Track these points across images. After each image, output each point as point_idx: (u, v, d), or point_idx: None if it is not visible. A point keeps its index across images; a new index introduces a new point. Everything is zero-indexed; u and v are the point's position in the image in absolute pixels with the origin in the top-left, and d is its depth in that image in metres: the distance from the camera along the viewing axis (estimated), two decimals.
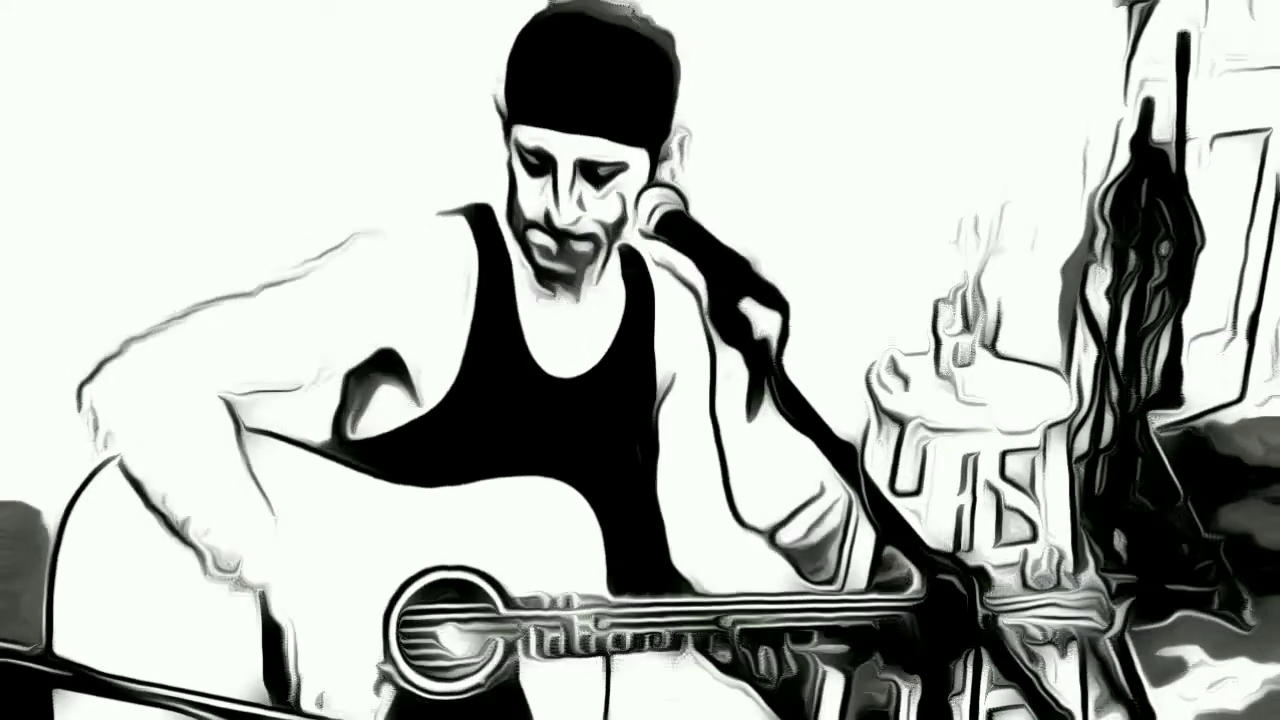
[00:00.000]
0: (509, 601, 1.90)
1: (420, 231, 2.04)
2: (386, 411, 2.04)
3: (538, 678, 1.91)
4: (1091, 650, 2.85)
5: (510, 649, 1.90)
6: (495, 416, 2.03)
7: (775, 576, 2.15)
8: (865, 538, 2.88)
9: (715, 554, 2.16)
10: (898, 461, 2.93)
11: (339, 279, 1.98)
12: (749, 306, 1.78)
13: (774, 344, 1.77)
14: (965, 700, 2.75)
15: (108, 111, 2.80)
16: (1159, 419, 3.38)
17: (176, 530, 1.91)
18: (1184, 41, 3.30)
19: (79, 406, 1.93)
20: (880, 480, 2.84)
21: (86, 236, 2.82)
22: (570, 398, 2.09)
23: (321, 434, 2.08)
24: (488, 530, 1.93)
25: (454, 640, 1.91)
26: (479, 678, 1.90)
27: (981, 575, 1.74)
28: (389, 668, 1.88)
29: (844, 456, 1.77)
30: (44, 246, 2.84)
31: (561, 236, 1.97)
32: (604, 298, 2.13)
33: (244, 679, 1.90)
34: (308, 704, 1.85)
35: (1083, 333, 3.40)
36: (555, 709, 1.93)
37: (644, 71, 1.95)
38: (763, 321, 1.77)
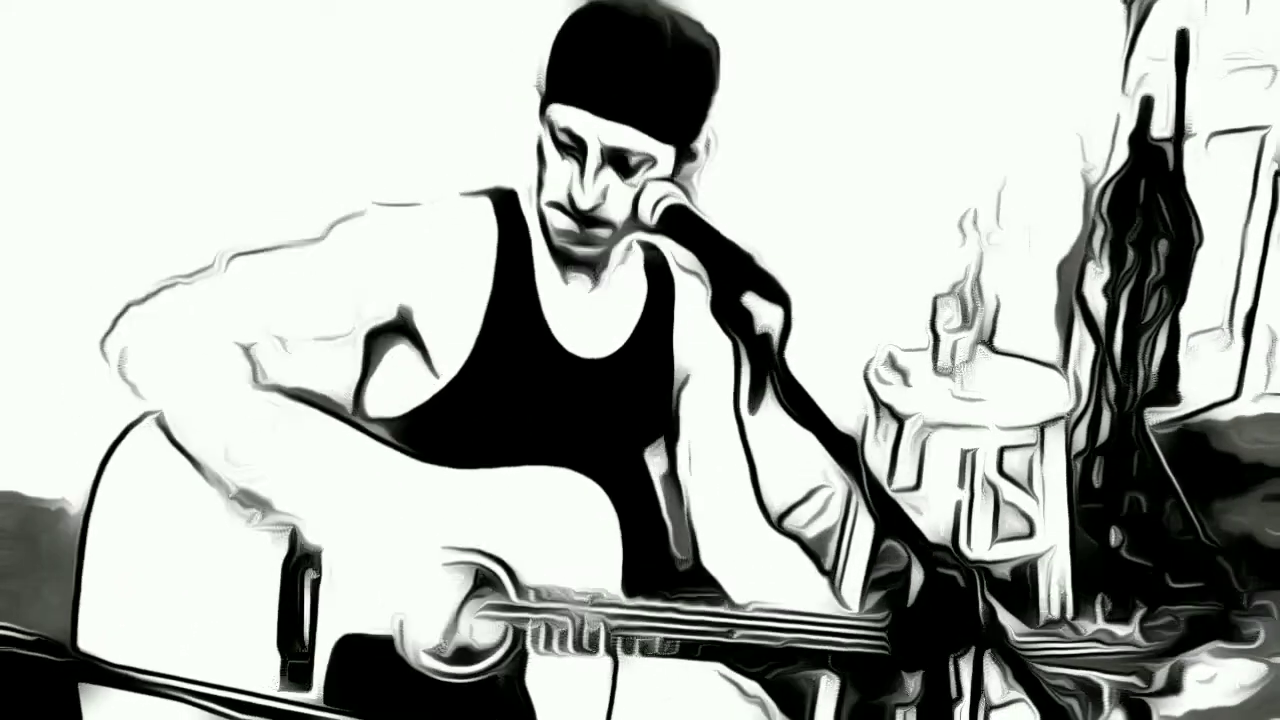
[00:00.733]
0: (521, 591, 1.90)
1: (443, 205, 2.06)
2: (404, 384, 2.05)
3: (543, 675, 1.91)
4: None
5: (518, 638, 1.89)
6: (515, 389, 2.04)
7: (806, 585, 2.14)
8: (864, 530, 2.89)
9: (744, 557, 2.16)
10: (896, 457, 2.93)
11: (359, 238, 2.01)
12: (751, 300, 1.78)
13: (776, 338, 1.77)
14: (965, 701, 2.74)
15: (132, 99, 2.81)
16: (1155, 416, 3.39)
17: (214, 475, 1.91)
18: (1183, 38, 3.31)
19: (105, 358, 1.94)
20: (879, 476, 2.84)
21: (86, 236, 2.82)
22: (593, 379, 2.09)
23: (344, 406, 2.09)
24: (506, 518, 1.93)
25: (476, 626, 1.92)
26: (489, 662, 1.90)
27: (982, 571, 1.74)
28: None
29: (845, 450, 1.77)
30: (44, 246, 2.84)
31: (581, 220, 1.99)
32: (625, 286, 2.14)
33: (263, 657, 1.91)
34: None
35: (1080, 329, 3.40)
36: (559, 707, 1.92)
37: (686, 72, 1.98)
38: (765, 315, 1.77)
